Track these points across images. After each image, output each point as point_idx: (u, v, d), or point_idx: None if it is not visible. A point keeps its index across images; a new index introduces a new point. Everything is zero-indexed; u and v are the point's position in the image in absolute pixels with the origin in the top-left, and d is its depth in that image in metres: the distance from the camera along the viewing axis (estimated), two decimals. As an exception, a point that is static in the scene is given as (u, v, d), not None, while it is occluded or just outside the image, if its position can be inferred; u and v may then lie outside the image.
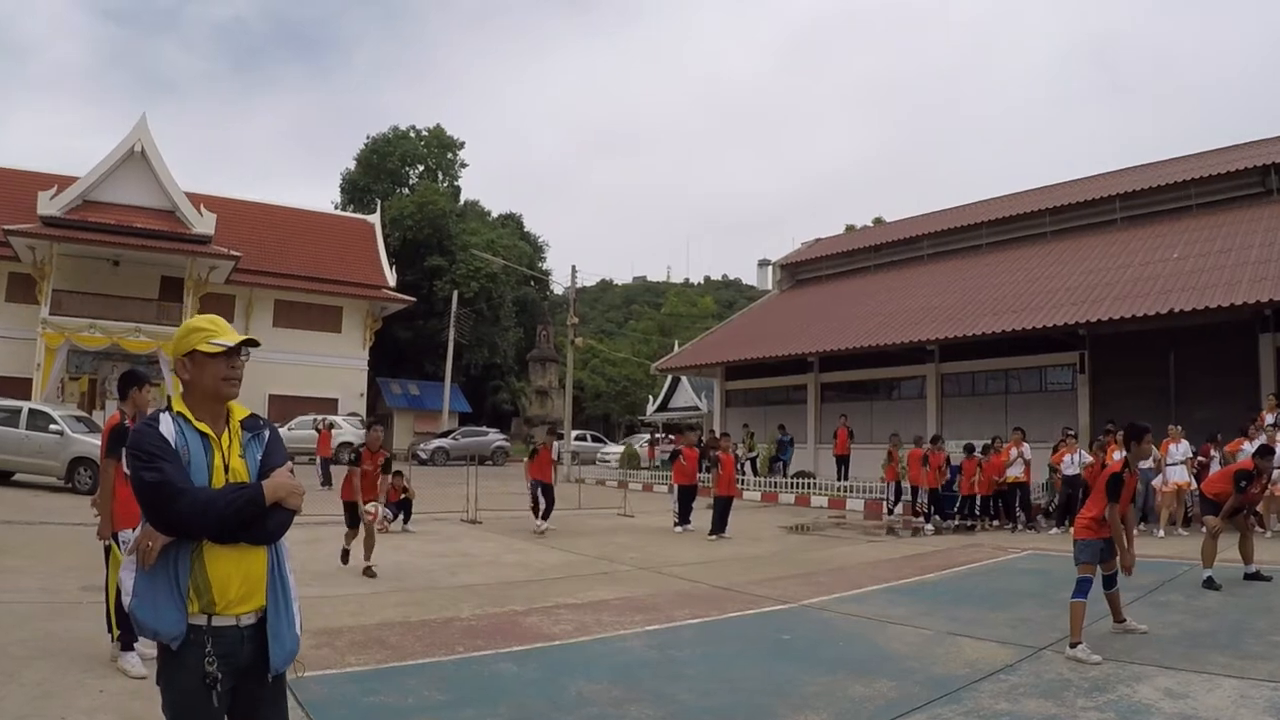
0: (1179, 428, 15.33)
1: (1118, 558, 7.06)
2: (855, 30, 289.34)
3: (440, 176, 62.08)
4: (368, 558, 10.30)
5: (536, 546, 13.59)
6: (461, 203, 62.70)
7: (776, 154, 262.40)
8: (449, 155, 62.90)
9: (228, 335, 2.88)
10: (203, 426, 2.79)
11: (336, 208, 55.72)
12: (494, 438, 41.02)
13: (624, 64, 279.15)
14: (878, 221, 52.11)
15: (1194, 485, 14.03)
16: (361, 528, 10.43)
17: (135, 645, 5.76)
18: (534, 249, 65.11)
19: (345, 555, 10.69)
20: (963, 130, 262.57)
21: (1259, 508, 12.31)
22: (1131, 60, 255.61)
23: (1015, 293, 22.94)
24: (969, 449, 17.63)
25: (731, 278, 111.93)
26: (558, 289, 56.19)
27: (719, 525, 15.33)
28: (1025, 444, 17.31)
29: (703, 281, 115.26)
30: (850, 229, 50.55)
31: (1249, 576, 9.76)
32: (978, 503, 17.41)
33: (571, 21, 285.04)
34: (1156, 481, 15.01)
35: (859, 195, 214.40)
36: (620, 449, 37.80)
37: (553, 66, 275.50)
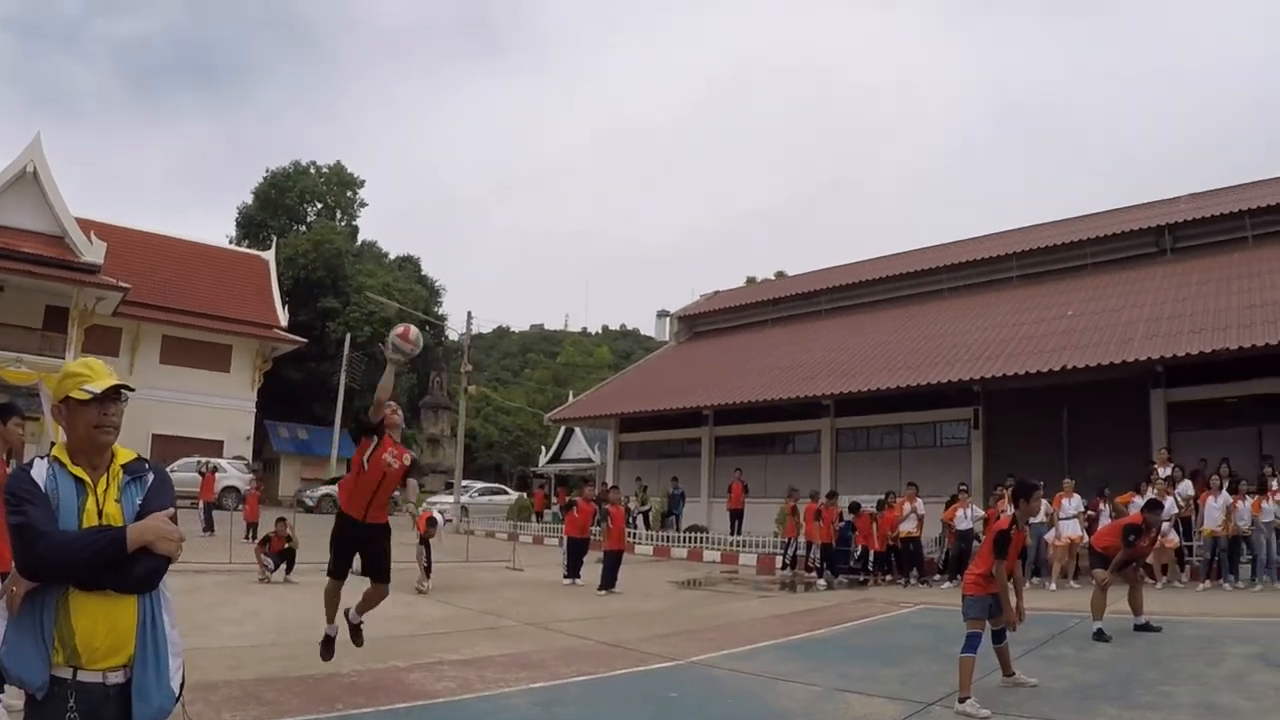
0: (1071, 482, 15.54)
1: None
2: (768, 82, 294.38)
3: (339, 215, 60.87)
4: (361, 613, 7.17)
5: (422, 600, 13.16)
6: (359, 243, 61.44)
7: (683, 202, 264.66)
8: (349, 193, 61.69)
9: (101, 380, 2.78)
10: (78, 471, 2.72)
11: (231, 242, 54.11)
12: (383, 485, 39.68)
13: (532, 108, 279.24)
14: (779, 275, 52.85)
15: (1086, 539, 14.16)
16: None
17: (1, 697, 5.22)
18: (430, 293, 64.07)
19: (329, 646, 7.14)
20: (875, 186, 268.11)
21: (1149, 560, 12.43)
22: (1038, 125, 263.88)
23: (911, 349, 23.25)
24: (854, 508, 17.59)
25: (630, 327, 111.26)
26: (453, 335, 55.32)
27: (609, 580, 14.96)
28: (919, 499, 17.34)
29: (600, 331, 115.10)
30: (751, 281, 51.13)
31: (1139, 628, 9.82)
32: (871, 557, 17.33)
33: (483, 63, 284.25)
34: (1049, 535, 15.14)
35: (764, 245, 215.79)
36: (451, 499, 33.98)
37: (460, 109, 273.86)
